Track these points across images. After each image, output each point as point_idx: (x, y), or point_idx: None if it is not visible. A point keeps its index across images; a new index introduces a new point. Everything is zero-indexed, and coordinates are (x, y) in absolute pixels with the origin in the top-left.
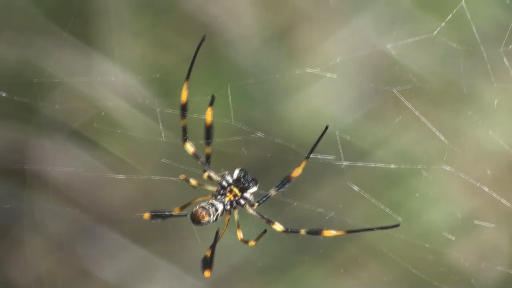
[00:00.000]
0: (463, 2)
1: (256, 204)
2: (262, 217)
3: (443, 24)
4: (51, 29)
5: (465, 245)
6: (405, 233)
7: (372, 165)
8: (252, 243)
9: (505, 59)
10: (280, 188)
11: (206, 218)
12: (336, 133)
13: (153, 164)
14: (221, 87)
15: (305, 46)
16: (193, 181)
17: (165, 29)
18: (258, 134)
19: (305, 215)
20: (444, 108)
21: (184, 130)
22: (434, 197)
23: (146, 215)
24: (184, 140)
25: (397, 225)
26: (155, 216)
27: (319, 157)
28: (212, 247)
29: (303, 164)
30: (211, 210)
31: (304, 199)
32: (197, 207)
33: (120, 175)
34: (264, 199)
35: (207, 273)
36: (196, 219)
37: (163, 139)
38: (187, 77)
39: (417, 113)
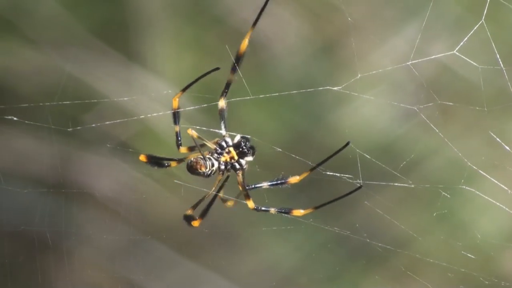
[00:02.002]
0: (482, 20)
1: (242, 178)
2: (244, 188)
3: (464, 41)
4: (94, 43)
5: (485, 265)
6: (424, 253)
7: (390, 184)
8: (230, 203)
9: None
10: (273, 185)
11: (202, 169)
12: (357, 150)
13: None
14: (268, 99)
15: (352, 58)
16: (194, 134)
17: (210, 43)
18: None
19: (322, 234)
20: (466, 127)
21: (177, 135)
22: (455, 218)
23: (142, 157)
24: (178, 145)
25: (359, 187)
26: (151, 158)
27: (339, 175)
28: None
29: (304, 175)
30: (208, 163)
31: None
32: (196, 158)
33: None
34: (253, 186)
35: (195, 223)
36: (193, 167)
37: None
38: (184, 90)
39: (438, 131)
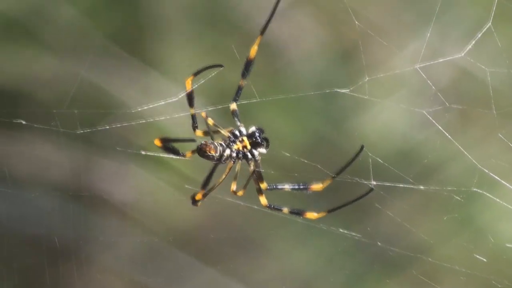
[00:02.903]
0: (490, 23)
1: (263, 183)
2: (257, 182)
3: (471, 45)
4: (113, 50)
5: (497, 268)
6: (436, 257)
7: (400, 186)
8: (240, 193)
9: None
10: (294, 189)
11: (212, 152)
12: (369, 154)
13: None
14: (288, 104)
15: (372, 62)
16: (210, 121)
17: (228, 49)
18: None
19: (334, 237)
20: (475, 130)
21: (193, 118)
22: (466, 221)
23: (157, 141)
24: (194, 128)
25: (371, 190)
26: (165, 141)
27: (348, 177)
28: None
29: (327, 183)
30: (219, 148)
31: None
32: (207, 141)
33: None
34: (274, 186)
35: (198, 195)
36: (202, 150)
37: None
38: (195, 74)
39: (447, 134)
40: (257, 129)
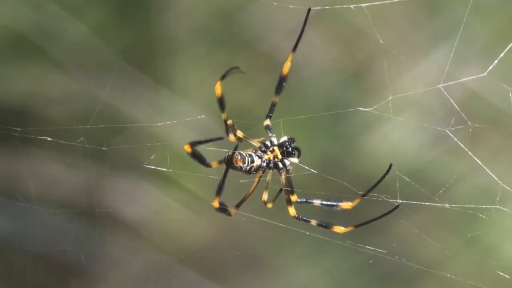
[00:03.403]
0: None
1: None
2: (287, 191)
3: (494, 63)
4: (124, 68)
5: None
6: (461, 275)
7: (426, 204)
8: (270, 205)
9: None
10: (324, 205)
11: (239, 163)
12: (396, 173)
13: (231, 201)
14: (294, 124)
15: (382, 82)
16: (239, 133)
17: (240, 67)
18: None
19: (359, 255)
20: (498, 148)
21: (226, 123)
22: (490, 238)
23: (187, 147)
24: (227, 133)
25: (397, 207)
26: (195, 144)
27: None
28: (224, 177)
29: (356, 201)
30: (247, 158)
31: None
32: (236, 152)
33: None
34: (304, 200)
35: (215, 203)
36: (230, 160)
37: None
38: (222, 78)
39: (471, 153)
40: (288, 139)
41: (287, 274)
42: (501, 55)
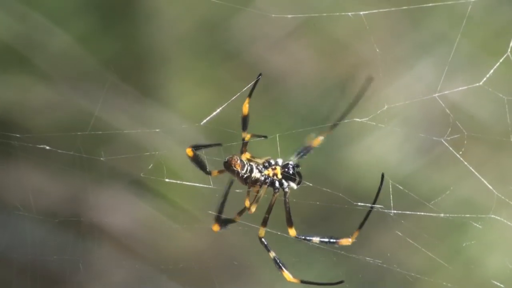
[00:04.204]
0: (508, 52)
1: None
2: (287, 213)
3: (490, 73)
4: (107, 78)
5: None
6: (455, 282)
7: (421, 214)
8: (253, 208)
9: None
10: (323, 242)
11: (238, 168)
12: (390, 182)
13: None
14: (281, 135)
15: (366, 94)
16: (247, 154)
17: (225, 77)
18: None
19: (354, 263)
20: (493, 157)
21: (243, 143)
22: (484, 248)
23: (189, 151)
24: (242, 151)
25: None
26: (196, 148)
27: (368, 205)
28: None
29: (355, 235)
30: (247, 166)
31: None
32: (234, 156)
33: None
34: (303, 238)
35: (215, 227)
36: (229, 163)
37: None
38: (249, 96)
39: (466, 163)
40: (293, 163)
41: (271, 284)
42: (497, 65)
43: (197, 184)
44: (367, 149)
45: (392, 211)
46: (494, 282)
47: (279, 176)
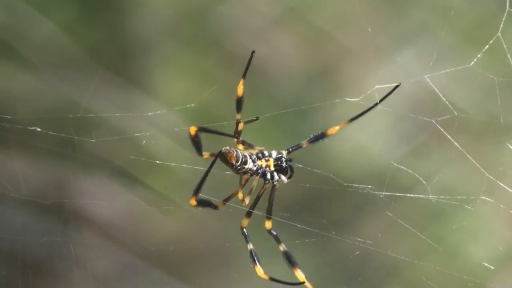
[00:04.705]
0: (499, 33)
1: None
2: (269, 204)
3: (479, 55)
4: (91, 66)
5: (506, 277)
6: (444, 264)
7: (412, 196)
8: (247, 200)
9: None
10: (287, 254)
11: (233, 160)
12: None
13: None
14: (262, 122)
15: (348, 81)
16: (240, 146)
17: (208, 66)
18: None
19: (344, 245)
20: (483, 139)
21: (237, 125)
22: (475, 230)
23: (192, 129)
24: (236, 138)
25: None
26: (201, 130)
27: (359, 186)
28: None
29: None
30: (241, 157)
31: (343, 230)
32: (232, 148)
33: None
34: (274, 235)
35: (192, 201)
36: (224, 154)
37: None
38: (243, 76)
39: (454, 142)
40: (287, 157)
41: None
42: (486, 47)
43: (185, 166)
44: (356, 131)
45: (382, 193)
46: (484, 264)
47: (272, 168)
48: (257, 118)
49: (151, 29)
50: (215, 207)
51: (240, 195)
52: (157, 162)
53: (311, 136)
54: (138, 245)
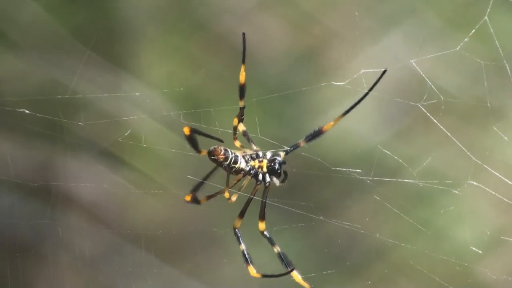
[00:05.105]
0: (486, 17)
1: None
2: (262, 206)
3: (466, 39)
4: (77, 48)
5: (493, 260)
6: (432, 248)
7: (399, 181)
8: (233, 198)
9: None
10: (281, 256)
11: (221, 158)
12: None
13: (181, 180)
14: (249, 105)
15: (334, 65)
16: (241, 126)
17: (193, 49)
18: (285, 148)
19: (332, 229)
20: (469, 124)
21: (241, 111)
22: (462, 214)
23: (186, 129)
24: (240, 120)
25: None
26: (194, 131)
27: (346, 170)
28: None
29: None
30: (231, 156)
31: (331, 214)
32: (223, 147)
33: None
34: (268, 237)
35: (187, 197)
36: (213, 152)
37: (188, 153)
38: (243, 62)
39: (442, 127)
40: (282, 159)
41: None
42: (473, 31)
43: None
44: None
45: (370, 178)
46: (472, 248)
47: (264, 169)
48: (243, 107)
49: (137, 10)
50: (198, 202)
51: (227, 194)
52: (144, 145)
53: (308, 134)
54: (125, 227)
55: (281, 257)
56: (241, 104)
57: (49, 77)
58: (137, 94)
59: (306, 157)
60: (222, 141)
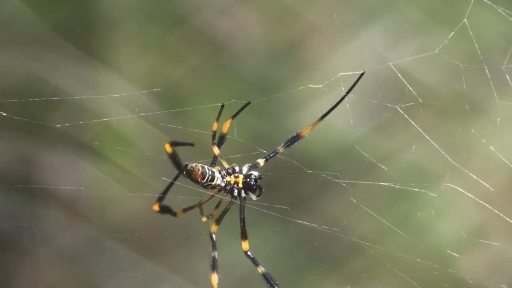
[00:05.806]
0: (465, 19)
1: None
2: (242, 226)
3: (445, 41)
4: (57, 42)
5: (470, 263)
6: (409, 250)
7: (375, 183)
8: (204, 219)
9: (507, 76)
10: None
11: (199, 178)
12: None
13: (161, 176)
14: (227, 100)
15: (314, 60)
16: (216, 150)
17: (173, 43)
18: (262, 150)
19: (309, 232)
20: (448, 125)
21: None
22: (438, 215)
23: (168, 147)
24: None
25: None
26: (174, 144)
27: (321, 174)
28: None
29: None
30: (209, 174)
31: (307, 216)
32: (200, 165)
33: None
34: (252, 258)
35: (155, 206)
36: (190, 171)
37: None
38: (233, 117)
39: (420, 130)
40: (257, 175)
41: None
42: (452, 33)
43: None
44: (317, 115)
45: (345, 181)
46: (448, 251)
47: (240, 185)
48: (223, 105)
49: (116, 5)
50: (174, 214)
51: (204, 219)
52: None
53: (287, 140)
54: (105, 222)
55: (266, 277)
56: (216, 152)
57: (29, 71)
58: (115, 95)
59: (282, 159)
60: (193, 145)
